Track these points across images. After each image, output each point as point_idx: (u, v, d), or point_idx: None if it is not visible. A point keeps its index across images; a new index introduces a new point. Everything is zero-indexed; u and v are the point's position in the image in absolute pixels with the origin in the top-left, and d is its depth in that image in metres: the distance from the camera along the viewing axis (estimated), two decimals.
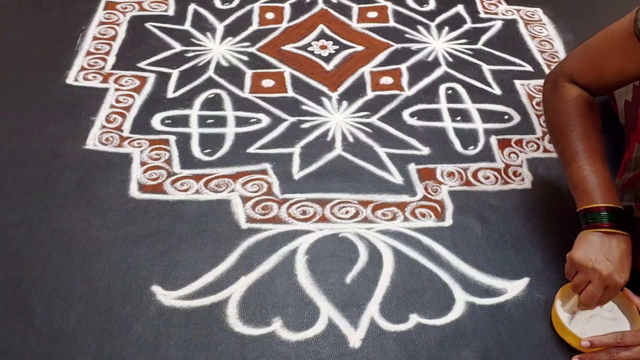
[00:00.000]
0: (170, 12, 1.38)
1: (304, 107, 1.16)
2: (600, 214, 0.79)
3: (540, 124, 1.15)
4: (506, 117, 1.17)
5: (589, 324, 0.81)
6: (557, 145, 0.87)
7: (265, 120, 1.13)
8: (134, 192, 0.99)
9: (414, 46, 1.32)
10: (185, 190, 1.00)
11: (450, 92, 1.21)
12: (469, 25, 1.39)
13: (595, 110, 0.85)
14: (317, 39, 1.33)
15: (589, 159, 0.81)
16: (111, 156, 1.05)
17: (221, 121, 1.13)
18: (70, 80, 1.19)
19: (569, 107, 0.85)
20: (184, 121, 1.12)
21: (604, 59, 0.81)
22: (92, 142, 1.07)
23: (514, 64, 1.29)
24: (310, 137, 1.10)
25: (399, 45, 1.32)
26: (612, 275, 0.76)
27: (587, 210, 0.80)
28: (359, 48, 1.31)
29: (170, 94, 1.18)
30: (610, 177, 0.81)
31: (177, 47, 1.29)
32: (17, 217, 0.94)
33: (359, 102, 1.18)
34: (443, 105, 1.18)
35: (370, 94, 1.20)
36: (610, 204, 0.79)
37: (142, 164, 1.04)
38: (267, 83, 1.21)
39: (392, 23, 1.39)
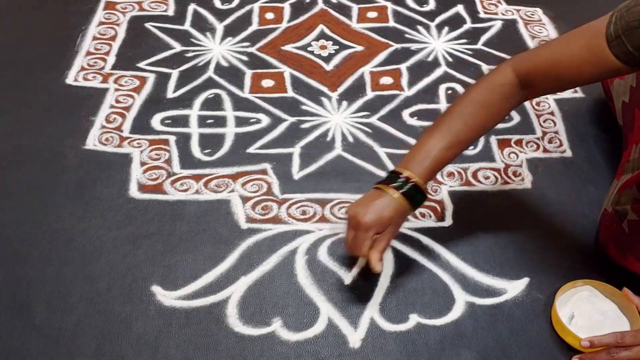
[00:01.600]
0: (170, 12, 1.38)
1: (303, 107, 1.16)
2: (396, 177, 0.79)
3: (540, 124, 1.15)
4: (506, 117, 1.16)
5: (589, 324, 0.82)
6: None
7: (265, 120, 1.13)
8: (134, 192, 0.99)
9: (413, 46, 1.32)
10: (185, 191, 1.00)
11: (450, 92, 1.21)
12: (468, 25, 1.39)
13: (497, 107, 0.81)
14: (317, 39, 1.33)
15: (439, 134, 0.80)
16: (111, 156, 1.05)
17: (221, 121, 1.13)
18: (70, 80, 1.19)
19: (479, 86, 0.81)
20: (183, 121, 1.12)
21: (565, 50, 0.76)
22: (92, 142, 1.07)
23: None
24: (310, 137, 1.10)
25: (398, 45, 1.32)
26: (355, 215, 0.78)
27: (392, 171, 0.81)
28: (359, 48, 1.31)
29: (170, 94, 1.18)
30: (438, 160, 0.79)
31: (177, 47, 1.29)
32: (17, 217, 0.94)
33: (359, 102, 1.18)
34: (443, 105, 1.18)
35: (370, 94, 1.20)
36: (411, 174, 0.78)
37: (142, 164, 1.04)
38: (267, 83, 1.21)
39: (392, 23, 1.39)
